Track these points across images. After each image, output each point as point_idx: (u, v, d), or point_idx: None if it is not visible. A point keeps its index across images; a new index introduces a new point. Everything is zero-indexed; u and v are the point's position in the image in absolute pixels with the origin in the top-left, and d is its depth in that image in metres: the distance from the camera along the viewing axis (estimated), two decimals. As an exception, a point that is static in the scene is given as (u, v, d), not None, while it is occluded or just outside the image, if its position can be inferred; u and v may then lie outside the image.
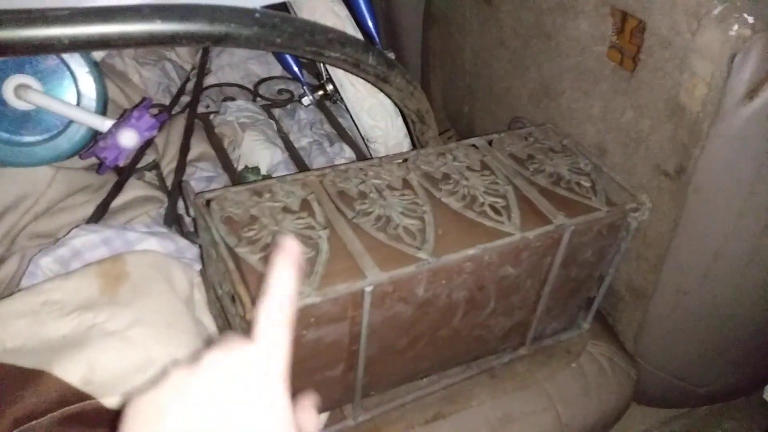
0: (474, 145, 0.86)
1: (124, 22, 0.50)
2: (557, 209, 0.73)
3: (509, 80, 1.02)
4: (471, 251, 0.68)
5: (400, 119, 1.00)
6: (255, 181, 1.10)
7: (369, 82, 0.71)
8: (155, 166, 1.09)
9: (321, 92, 1.17)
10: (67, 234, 0.79)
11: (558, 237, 0.72)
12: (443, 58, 1.17)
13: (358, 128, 1.14)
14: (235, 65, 1.39)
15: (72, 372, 0.62)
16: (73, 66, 0.88)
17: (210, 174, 1.11)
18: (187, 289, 0.78)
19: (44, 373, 0.62)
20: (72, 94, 0.89)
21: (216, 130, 1.22)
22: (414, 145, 1.02)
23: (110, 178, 1.05)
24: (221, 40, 0.53)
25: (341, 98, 1.11)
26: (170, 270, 0.77)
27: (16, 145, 0.88)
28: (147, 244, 0.80)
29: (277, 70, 1.43)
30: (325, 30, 0.61)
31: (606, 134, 0.82)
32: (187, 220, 0.92)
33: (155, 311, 0.70)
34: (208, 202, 0.72)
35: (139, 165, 1.04)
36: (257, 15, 0.55)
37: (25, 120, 0.88)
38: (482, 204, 0.75)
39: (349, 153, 1.22)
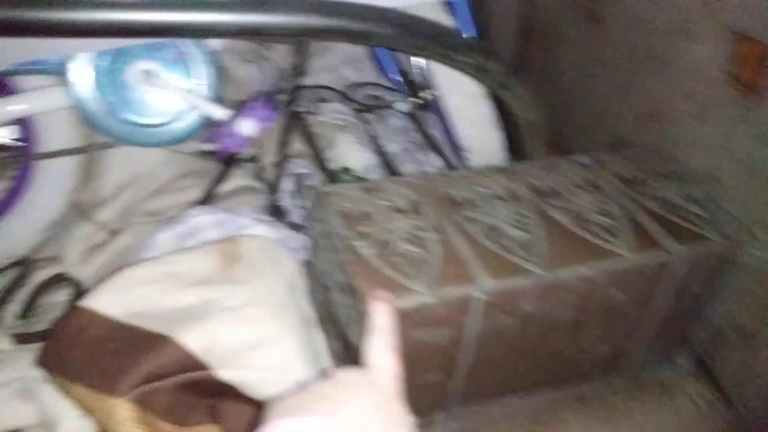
0: (580, 163, 0.86)
1: (285, 13, 0.53)
2: (669, 236, 0.73)
3: (611, 101, 1.02)
4: (583, 270, 0.69)
5: (497, 131, 1.01)
6: (349, 180, 1.13)
7: (489, 88, 0.73)
8: (255, 158, 1.14)
9: (416, 100, 1.19)
10: (184, 213, 0.84)
11: (669, 265, 0.71)
12: (540, 75, 1.18)
13: (450, 137, 1.16)
14: (330, 68, 1.43)
15: (194, 340, 0.65)
16: (193, 56, 0.93)
17: (305, 171, 1.15)
18: (292, 276, 0.81)
19: (168, 339, 0.66)
20: (191, 82, 0.94)
21: (311, 129, 1.26)
22: (512, 157, 1.03)
23: (214, 166, 1.10)
24: (363, 38, 0.56)
25: (438, 107, 1.13)
26: (278, 256, 0.80)
27: (136, 126, 0.93)
28: (257, 229, 0.84)
29: (369, 75, 1.47)
30: (456, 35, 0.63)
31: (720, 163, 0.81)
32: (290, 211, 0.96)
33: (267, 293, 0.74)
34: (323, 196, 0.75)
35: (241, 156, 1.09)
36: (400, 16, 0.57)
37: (145, 104, 0.93)
38: (592, 222, 0.75)
39: (438, 163, 1.24)
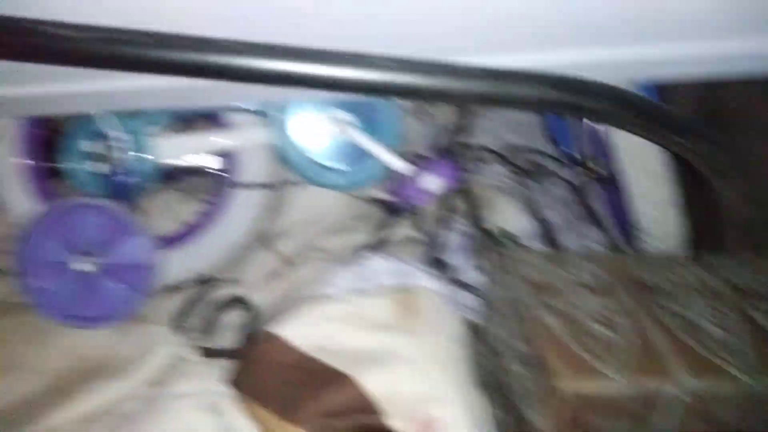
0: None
1: (518, 84, 0.55)
2: None
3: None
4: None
5: (683, 216, 0.96)
6: (508, 244, 1.13)
7: (703, 174, 0.70)
8: (417, 210, 1.17)
9: (587, 172, 1.17)
10: (362, 256, 0.88)
11: None
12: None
13: (622, 215, 1.13)
14: (492, 130, 1.46)
15: (373, 384, 0.67)
16: (383, 109, 0.99)
17: (464, 229, 1.16)
18: (460, 335, 0.81)
19: (348, 378, 0.68)
20: (379, 133, 0.99)
21: (470, 188, 1.28)
22: (695, 247, 0.97)
23: (381, 213, 1.15)
24: (593, 114, 0.57)
25: (612, 182, 1.11)
26: (451, 312, 0.81)
27: (323, 169, 1.00)
28: (429, 283, 0.85)
29: (530, 141, 1.47)
30: (679, 118, 0.62)
31: None
32: (461, 268, 0.97)
33: (443, 349, 0.74)
34: (507, 260, 0.75)
35: (405, 207, 1.13)
36: (630, 95, 0.57)
37: (335, 149, 1.00)
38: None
39: (600, 237, 1.20)
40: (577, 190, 1.31)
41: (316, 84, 0.55)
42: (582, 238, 1.19)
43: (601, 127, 0.99)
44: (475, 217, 1.20)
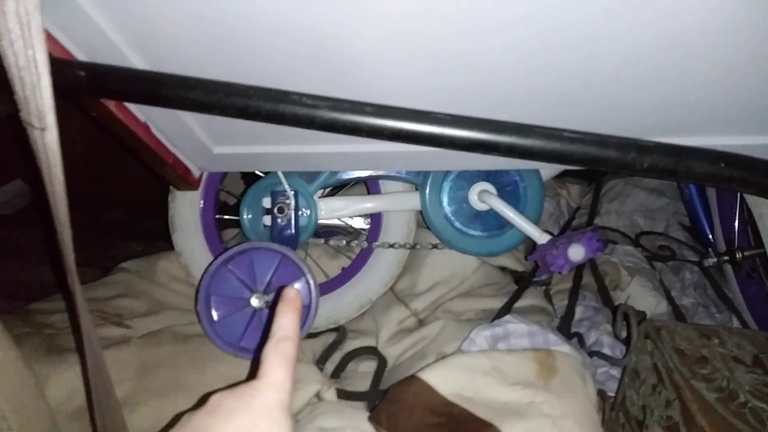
0: None
1: (698, 161, 0.60)
2: None
3: None
4: None
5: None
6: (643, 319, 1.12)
7: None
8: (548, 282, 1.20)
9: (727, 257, 1.15)
10: (503, 317, 0.92)
11: None
12: None
13: (756, 303, 1.09)
14: (622, 213, 1.47)
15: (515, 435, 0.69)
16: (525, 182, 1.05)
17: (594, 305, 1.16)
18: (595, 399, 0.82)
19: (493, 427, 0.71)
20: (518, 205, 1.05)
21: (599, 267, 1.29)
22: None
23: (511, 282, 1.19)
24: (764, 191, 0.59)
25: (756, 268, 1.08)
26: (586, 377, 0.82)
27: (464, 235, 1.07)
28: (563, 347, 0.87)
29: (660, 226, 1.47)
30: None
31: None
32: (591, 341, 0.98)
33: (579, 410, 0.75)
34: (656, 329, 0.76)
35: (537, 278, 1.17)
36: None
37: (477, 217, 1.07)
38: None
39: (736, 325, 1.16)
40: (711, 277, 1.28)
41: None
42: (716, 323, 1.16)
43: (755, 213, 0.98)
44: (605, 295, 1.21)
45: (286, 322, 0.40)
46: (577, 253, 0.90)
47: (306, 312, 0.88)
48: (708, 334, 0.76)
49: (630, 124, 0.73)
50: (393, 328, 1.06)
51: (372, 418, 0.79)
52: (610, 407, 0.86)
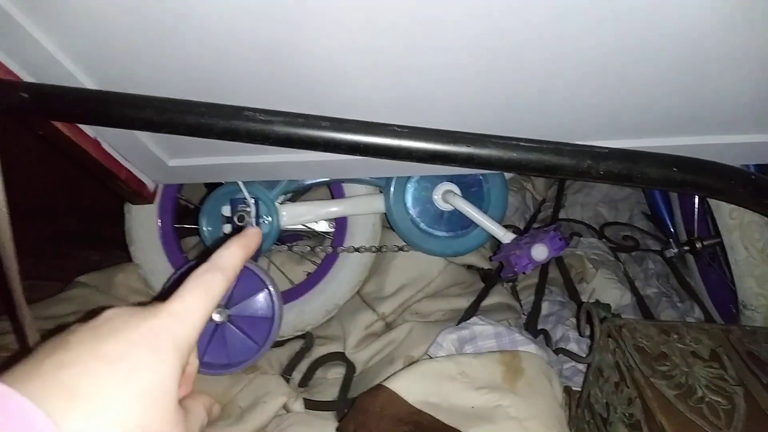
0: None
1: (653, 166, 0.60)
2: None
3: None
4: None
5: (786, 292, 0.95)
6: (605, 317, 1.14)
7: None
8: (515, 278, 1.21)
9: (688, 247, 1.18)
10: (469, 319, 0.92)
11: None
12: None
13: (723, 290, 1.11)
14: (587, 205, 1.49)
15: (483, 441, 0.70)
16: (488, 182, 1.06)
17: (560, 299, 1.18)
18: (561, 398, 0.83)
19: (460, 434, 0.71)
20: (482, 204, 1.06)
21: (565, 260, 1.31)
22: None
23: (478, 280, 1.19)
24: (717, 193, 0.60)
25: (713, 257, 1.11)
26: (552, 377, 0.83)
27: (429, 236, 1.07)
28: (529, 347, 0.88)
29: (623, 216, 1.49)
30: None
31: None
32: (557, 337, 0.99)
33: (545, 411, 0.76)
34: (617, 327, 0.77)
35: (507, 276, 1.18)
36: (753, 177, 0.61)
37: (442, 218, 1.07)
38: None
39: (698, 313, 1.19)
40: (673, 266, 1.31)
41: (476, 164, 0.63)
42: (681, 313, 1.19)
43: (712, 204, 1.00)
44: (571, 289, 1.22)
45: (227, 253, 0.34)
46: (540, 252, 0.90)
47: (269, 324, 0.86)
48: (667, 330, 0.77)
49: (587, 127, 0.73)
50: (360, 333, 1.06)
51: (340, 429, 0.78)
52: (576, 404, 0.87)
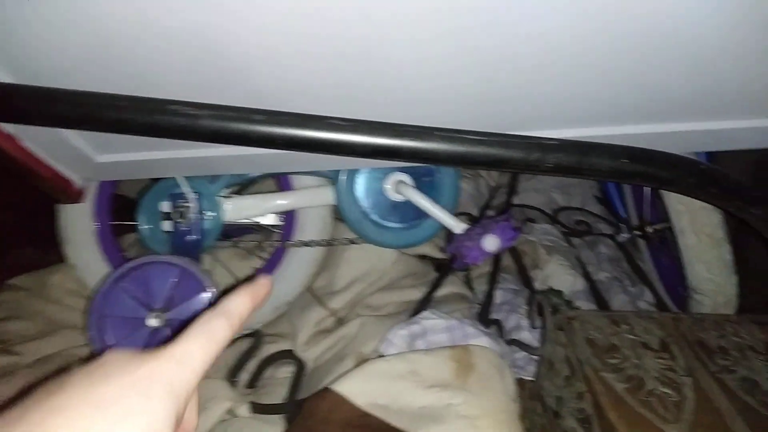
0: None
1: (601, 158, 0.58)
2: None
3: None
4: None
5: (736, 277, 0.96)
6: (558, 303, 1.14)
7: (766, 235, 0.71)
8: (468, 268, 1.19)
9: (636, 231, 1.19)
10: (420, 314, 0.89)
11: None
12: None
13: (674, 275, 1.12)
14: (540, 190, 1.49)
15: (433, 443, 0.68)
16: (441, 171, 1.03)
17: (513, 287, 1.17)
18: (513, 391, 0.82)
19: (409, 436, 0.69)
20: (436, 194, 1.03)
21: (519, 247, 1.30)
22: (743, 308, 0.97)
23: (431, 271, 1.17)
24: (667, 184, 0.59)
25: (664, 242, 1.11)
26: (504, 370, 0.82)
27: (381, 228, 1.04)
28: (481, 340, 0.87)
29: (576, 201, 1.49)
30: (749, 188, 0.64)
31: None
32: (511, 326, 0.98)
33: (497, 407, 0.75)
34: (568, 319, 0.76)
35: (460, 266, 1.16)
36: (702, 167, 0.60)
37: (394, 209, 1.03)
38: None
39: (649, 297, 1.20)
40: (625, 250, 1.31)
41: (405, 156, 0.60)
42: (632, 297, 1.19)
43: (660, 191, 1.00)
44: (524, 276, 1.22)
45: (235, 301, 0.33)
46: (491, 243, 0.89)
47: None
48: (618, 320, 0.76)
49: (536, 116, 0.71)
50: (311, 329, 1.02)
51: (288, 435, 0.75)
52: (528, 395, 0.86)
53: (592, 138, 0.65)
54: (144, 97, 0.57)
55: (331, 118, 0.59)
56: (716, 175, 0.61)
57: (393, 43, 0.58)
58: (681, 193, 0.65)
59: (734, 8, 0.54)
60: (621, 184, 1.28)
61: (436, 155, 0.59)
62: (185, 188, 0.96)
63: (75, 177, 0.85)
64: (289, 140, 0.58)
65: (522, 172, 0.93)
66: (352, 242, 1.06)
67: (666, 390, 0.66)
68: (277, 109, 0.60)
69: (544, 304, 0.80)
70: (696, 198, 0.72)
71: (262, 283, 0.36)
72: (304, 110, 0.62)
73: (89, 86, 0.58)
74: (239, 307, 0.33)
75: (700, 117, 0.71)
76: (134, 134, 0.56)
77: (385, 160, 0.59)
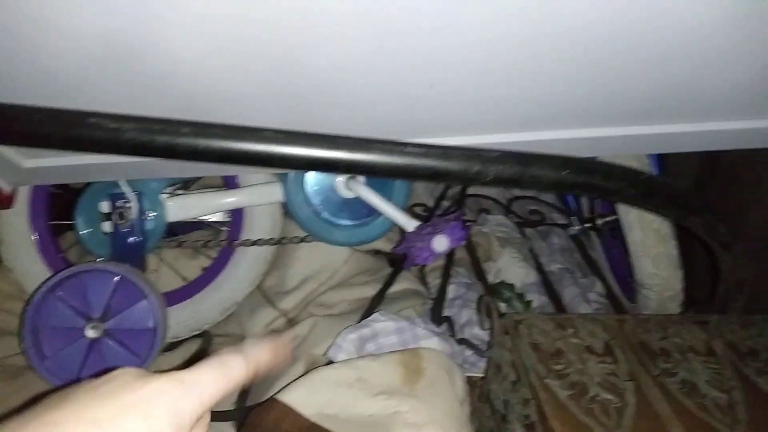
0: (778, 323, 0.81)
1: (543, 168, 0.58)
2: None
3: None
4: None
5: (681, 272, 0.98)
6: (509, 296, 1.14)
7: (706, 241, 0.72)
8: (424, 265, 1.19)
9: (587, 222, 1.20)
10: (370, 317, 0.88)
11: None
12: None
13: (622, 268, 1.14)
14: (494, 180, 1.48)
15: (380, 453, 0.67)
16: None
17: (466, 281, 1.17)
18: (462, 393, 0.82)
19: (356, 447, 0.68)
20: (386, 191, 1.01)
21: (472, 239, 1.30)
22: (688, 302, 0.99)
23: (385, 266, 1.16)
24: (609, 195, 0.59)
25: (612, 234, 1.13)
26: (453, 373, 0.81)
27: (332, 226, 1.02)
28: (431, 342, 0.86)
29: (531, 191, 1.50)
30: (688, 197, 0.64)
31: None
32: (463, 322, 0.98)
33: (445, 413, 0.74)
34: (514, 324, 0.76)
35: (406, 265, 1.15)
36: (643, 177, 0.60)
37: (344, 206, 1.01)
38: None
39: (600, 288, 1.22)
40: (577, 241, 1.33)
41: (336, 168, 0.58)
42: (583, 288, 1.21)
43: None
44: (478, 269, 1.22)
45: (257, 348, 0.33)
46: (441, 244, 0.88)
47: (152, 335, 0.79)
48: (564, 324, 0.77)
49: (476, 121, 0.70)
50: (261, 331, 1.00)
51: (233, 447, 0.74)
52: (477, 396, 0.86)
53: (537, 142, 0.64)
54: (61, 109, 0.53)
55: (265, 129, 0.56)
56: (657, 185, 0.61)
57: (320, 48, 0.55)
58: (623, 203, 0.65)
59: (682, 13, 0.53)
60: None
61: (374, 168, 0.57)
62: (125, 187, 0.92)
63: (2, 183, 0.80)
64: (219, 154, 0.55)
65: (464, 185, 0.92)
66: (303, 240, 1.04)
67: (608, 396, 0.67)
68: (210, 114, 0.57)
69: (491, 307, 0.79)
70: (638, 207, 0.72)
71: (285, 342, 0.36)
72: (237, 114, 0.60)
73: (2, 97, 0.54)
74: (259, 354, 0.33)
75: (650, 121, 0.71)
76: (52, 148, 0.53)
77: (322, 172, 0.57)
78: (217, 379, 0.30)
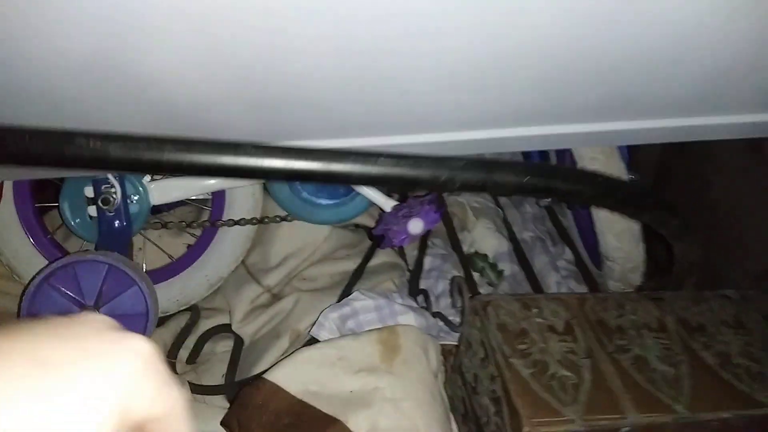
0: (727, 297, 0.88)
1: (507, 173, 0.62)
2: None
3: (765, 231, 1.03)
4: (725, 415, 0.71)
5: (642, 245, 1.04)
6: (483, 267, 1.20)
7: (665, 237, 0.78)
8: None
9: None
10: (351, 295, 0.94)
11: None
12: (686, 197, 1.20)
13: (589, 242, 1.20)
14: (470, 147, 1.52)
15: (360, 427, 0.74)
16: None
17: (442, 252, 1.22)
18: (436, 366, 0.88)
19: (339, 422, 0.75)
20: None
21: (448, 210, 1.34)
22: (649, 273, 1.06)
23: (364, 239, 1.20)
24: (568, 196, 0.63)
25: (583, 209, 1.18)
26: (428, 347, 0.88)
27: (312, 205, 1.05)
28: (408, 318, 0.92)
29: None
30: (642, 195, 0.69)
31: None
32: (439, 292, 1.04)
33: (420, 387, 0.81)
34: (482, 305, 0.82)
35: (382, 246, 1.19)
36: (599, 180, 0.64)
37: (324, 186, 1.05)
38: (736, 365, 0.77)
39: (569, 255, 1.29)
40: (549, 210, 1.38)
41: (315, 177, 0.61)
42: (553, 257, 1.27)
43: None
44: (453, 239, 1.27)
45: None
46: (416, 227, 0.92)
47: (144, 320, 0.84)
48: (529, 304, 0.83)
49: (450, 119, 0.73)
50: (246, 306, 1.06)
51: (224, 424, 0.80)
52: (450, 367, 0.93)
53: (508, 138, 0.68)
54: (48, 130, 0.55)
55: (244, 144, 0.59)
56: (611, 187, 0.66)
57: (295, 53, 0.58)
58: (582, 204, 0.70)
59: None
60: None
61: (348, 178, 0.60)
62: (108, 173, 0.94)
63: (-14, 178, 0.82)
64: (201, 167, 0.58)
65: (435, 192, 0.96)
66: (284, 220, 1.07)
67: (566, 373, 0.74)
68: (190, 122, 0.59)
69: (462, 287, 0.85)
70: (597, 207, 0.77)
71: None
72: (217, 121, 0.62)
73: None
74: None
75: (621, 116, 0.74)
76: (40, 167, 0.55)
77: (301, 182, 0.60)
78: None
